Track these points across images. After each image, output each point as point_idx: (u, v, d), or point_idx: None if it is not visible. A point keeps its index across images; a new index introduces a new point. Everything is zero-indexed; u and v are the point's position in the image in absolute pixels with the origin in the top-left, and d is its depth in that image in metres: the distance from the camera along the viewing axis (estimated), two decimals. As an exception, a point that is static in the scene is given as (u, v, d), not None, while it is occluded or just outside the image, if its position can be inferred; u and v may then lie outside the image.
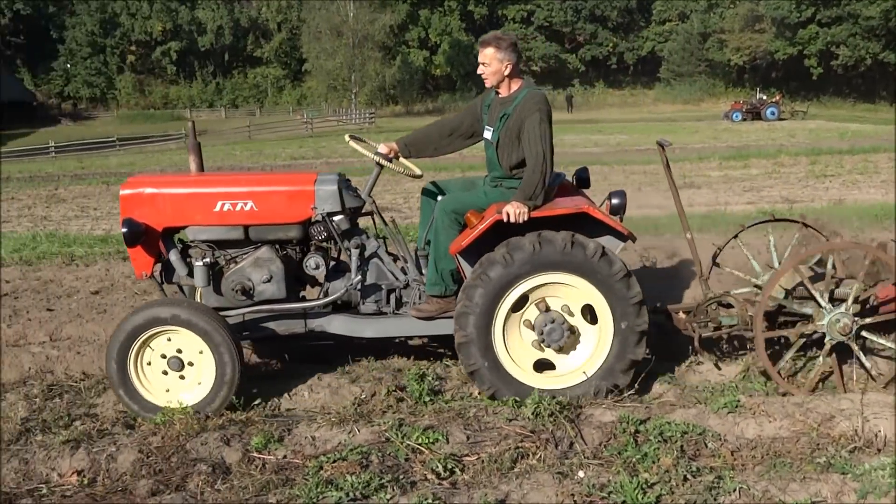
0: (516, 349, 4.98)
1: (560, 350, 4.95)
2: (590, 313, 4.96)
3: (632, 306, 4.80)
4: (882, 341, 4.97)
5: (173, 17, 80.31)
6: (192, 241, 5.36)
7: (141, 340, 4.82)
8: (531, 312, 4.94)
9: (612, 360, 4.89)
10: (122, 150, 48.35)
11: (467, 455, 4.23)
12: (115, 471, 4.20)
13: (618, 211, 5.21)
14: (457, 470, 4.08)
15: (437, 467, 4.06)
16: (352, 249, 5.33)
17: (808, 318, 5.07)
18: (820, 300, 4.92)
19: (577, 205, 4.92)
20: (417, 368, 5.46)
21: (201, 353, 4.87)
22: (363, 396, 5.13)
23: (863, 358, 4.96)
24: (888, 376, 4.94)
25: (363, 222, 5.62)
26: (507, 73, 5.05)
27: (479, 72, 5.13)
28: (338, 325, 5.34)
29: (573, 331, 4.92)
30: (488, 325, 4.85)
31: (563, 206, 4.96)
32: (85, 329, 6.73)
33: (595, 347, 4.95)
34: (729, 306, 5.42)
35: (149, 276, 5.33)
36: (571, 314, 4.94)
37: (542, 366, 5.03)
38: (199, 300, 5.28)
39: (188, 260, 5.30)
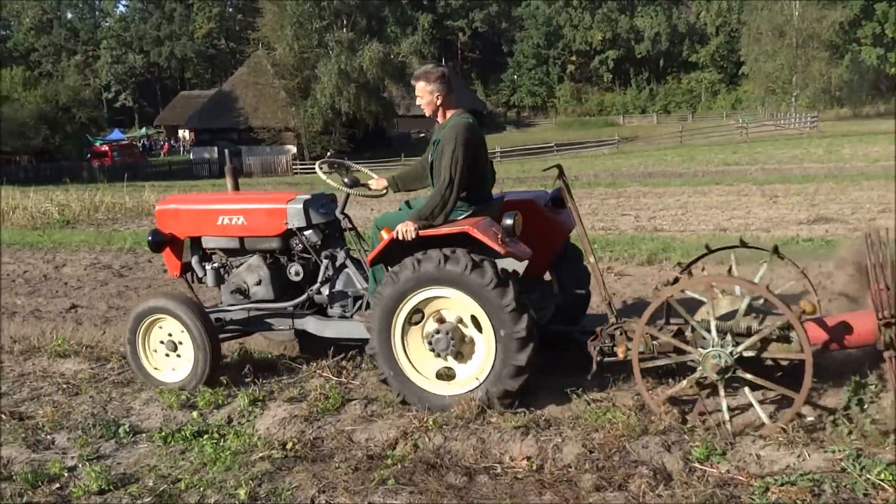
0: (420, 360, 5.28)
1: (458, 358, 5.21)
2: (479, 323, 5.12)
3: (507, 314, 4.91)
4: (758, 380, 4.60)
5: (613, 26, 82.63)
6: (207, 249, 6.46)
7: (146, 325, 6.03)
8: (430, 325, 5.23)
9: (499, 367, 5.00)
10: (559, 155, 50.94)
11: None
12: (560, 461, 4.39)
13: (510, 230, 5.14)
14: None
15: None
16: (323, 259, 6.12)
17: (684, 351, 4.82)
18: (699, 334, 4.79)
19: (463, 225, 5.03)
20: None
21: (182, 334, 5.90)
22: (810, 419, 4.73)
23: (752, 397, 4.68)
24: (780, 422, 4.51)
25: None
26: (439, 103, 5.41)
27: (417, 104, 5.51)
28: (311, 325, 6.09)
29: (463, 339, 5.18)
30: (388, 338, 5.26)
31: (453, 227, 5.10)
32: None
33: (485, 355, 5.10)
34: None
35: (179, 276, 6.55)
36: (465, 325, 5.17)
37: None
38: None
39: (204, 264, 6.41)
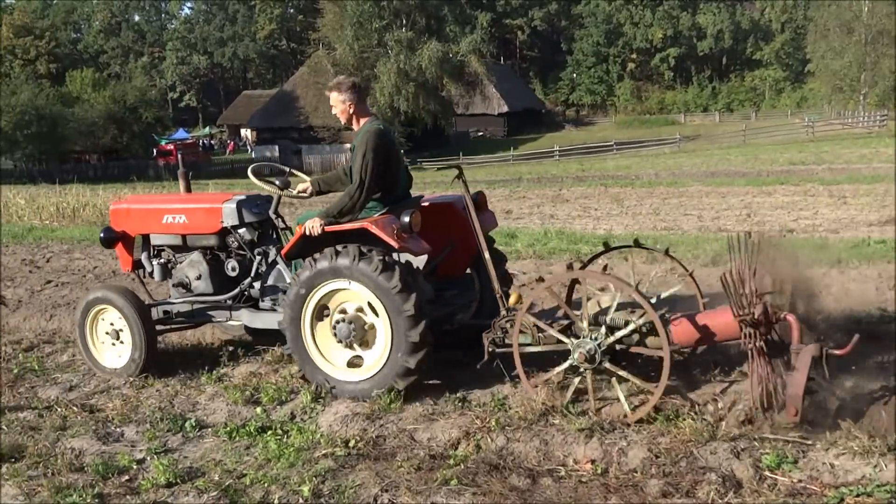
0: (330, 351, 5.69)
1: (364, 346, 5.60)
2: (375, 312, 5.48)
3: (395, 295, 5.26)
4: (622, 373, 4.93)
5: (674, 23, 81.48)
6: (155, 246, 6.82)
7: (92, 315, 6.47)
8: (335, 317, 5.62)
9: (397, 346, 5.34)
10: (618, 154, 50.45)
11: None
12: (625, 465, 4.32)
13: (407, 227, 5.47)
14: None
15: None
16: (256, 256, 6.43)
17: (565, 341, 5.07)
18: (577, 325, 5.07)
19: (363, 222, 5.43)
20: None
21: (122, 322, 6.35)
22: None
23: (617, 387, 4.94)
24: (640, 412, 4.80)
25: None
26: (351, 111, 5.78)
27: (332, 113, 5.87)
28: (245, 317, 6.45)
29: (364, 326, 5.55)
30: (298, 333, 5.67)
31: (353, 223, 5.49)
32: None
33: (385, 338, 5.43)
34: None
35: (131, 271, 7.02)
36: (365, 313, 5.54)
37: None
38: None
39: (152, 260, 6.83)
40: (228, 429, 5.21)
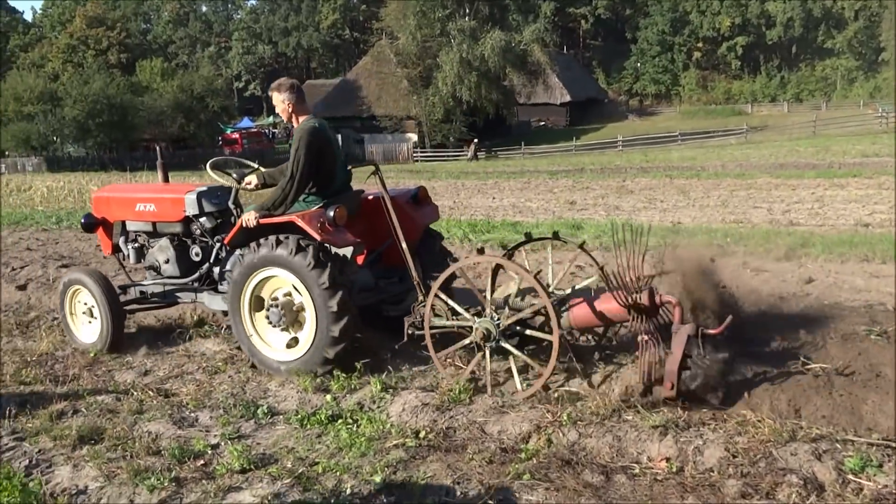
0: (269, 335, 6.24)
1: (296, 327, 6.09)
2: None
3: (322, 291, 5.71)
4: (516, 352, 5.39)
5: (742, 11, 79.64)
6: (130, 232, 7.39)
7: (70, 293, 7.23)
8: (268, 304, 6.17)
9: (320, 336, 5.79)
10: (683, 145, 49.63)
11: None
12: (701, 464, 4.23)
13: (332, 221, 5.84)
14: None
15: None
16: (215, 243, 6.82)
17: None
18: (482, 306, 5.55)
19: (291, 216, 5.88)
20: None
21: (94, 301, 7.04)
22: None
23: (513, 365, 5.43)
24: (531, 390, 5.26)
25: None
26: (290, 110, 6.17)
27: (276, 112, 6.34)
28: (206, 298, 6.92)
29: (293, 308, 6.06)
30: (240, 321, 6.26)
31: (283, 217, 5.95)
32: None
33: (311, 320, 5.86)
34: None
35: (111, 255, 7.66)
36: (292, 295, 6.05)
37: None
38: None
39: (128, 245, 7.39)
40: (299, 416, 5.26)
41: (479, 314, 5.55)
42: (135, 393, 5.97)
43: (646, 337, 4.88)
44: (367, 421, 5.13)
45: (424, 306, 5.72)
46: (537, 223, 13.50)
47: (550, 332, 5.22)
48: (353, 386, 5.75)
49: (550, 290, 5.63)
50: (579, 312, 5.40)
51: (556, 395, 5.27)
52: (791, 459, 4.13)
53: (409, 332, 5.83)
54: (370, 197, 6.60)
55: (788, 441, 4.30)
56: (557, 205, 18.13)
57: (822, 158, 28.96)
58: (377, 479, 4.27)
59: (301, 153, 5.92)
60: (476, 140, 54.03)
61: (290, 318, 6.06)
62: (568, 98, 71.36)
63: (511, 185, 25.94)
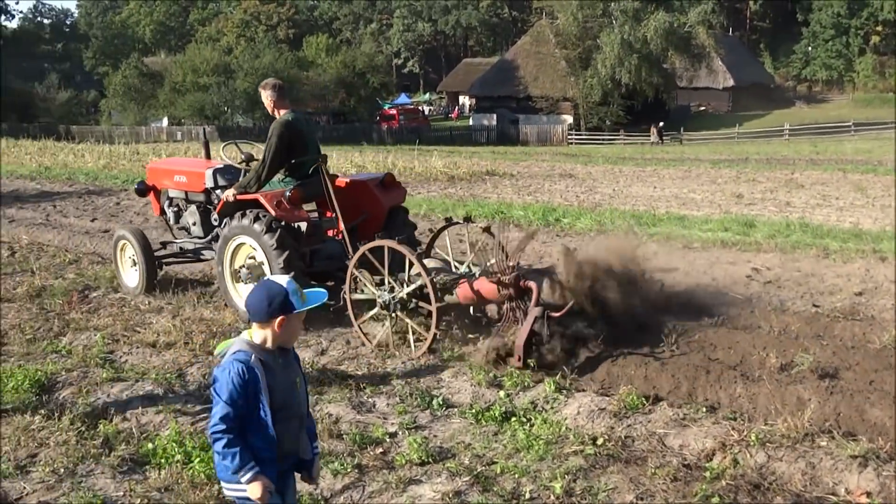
0: (239, 288, 7.62)
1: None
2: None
3: (272, 251, 7.02)
4: (408, 320, 6.65)
5: (932, -8, 73.69)
6: (171, 198, 8.91)
7: (119, 247, 8.98)
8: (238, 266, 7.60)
9: None
10: (856, 136, 46.65)
11: None
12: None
13: (288, 199, 7.17)
14: None
15: None
16: None
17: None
18: (386, 281, 6.70)
19: (258, 195, 7.18)
20: None
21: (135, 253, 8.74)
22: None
23: (409, 331, 6.66)
24: (419, 351, 6.50)
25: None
26: (272, 105, 7.42)
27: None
28: (215, 255, 8.00)
29: (258, 265, 7.28)
30: (223, 275, 7.76)
31: (252, 195, 7.23)
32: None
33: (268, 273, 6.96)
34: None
35: (160, 216, 9.42)
36: (255, 258, 7.38)
37: None
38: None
39: (169, 208, 8.92)
40: (474, 411, 5.30)
41: (390, 289, 6.67)
42: (313, 373, 6.17)
43: (508, 315, 6.23)
44: (542, 422, 5.11)
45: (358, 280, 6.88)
46: (706, 219, 12.98)
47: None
48: (526, 384, 5.74)
49: (461, 269, 7.03)
50: (463, 290, 6.53)
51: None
52: None
53: (343, 298, 6.90)
54: (346, 180, 7.92)
55: None
56: (723, 197, 17.37)
57: None
58: (557, 486, 4.24)
59: (273, 141, 7.18)
60: (662, 123, 52.66)
61: (256, 274, 7.21)
62: (731, 82, 68.40)
63: (671, 172, 25.10)
